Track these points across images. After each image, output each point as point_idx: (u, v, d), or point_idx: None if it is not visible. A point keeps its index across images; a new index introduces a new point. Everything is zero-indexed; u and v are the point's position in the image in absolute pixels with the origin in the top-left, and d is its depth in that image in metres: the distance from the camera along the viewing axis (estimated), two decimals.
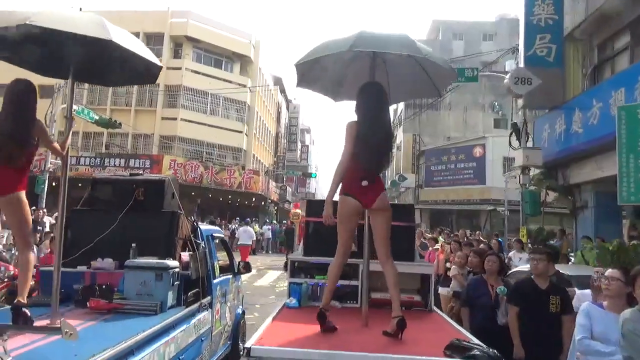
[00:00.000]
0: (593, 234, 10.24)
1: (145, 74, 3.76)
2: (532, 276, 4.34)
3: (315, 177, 46.97)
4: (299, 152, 53.35)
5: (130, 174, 5.05)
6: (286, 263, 4.91)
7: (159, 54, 30.24)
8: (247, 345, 2.88)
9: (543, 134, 11.45)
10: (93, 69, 3.72)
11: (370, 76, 3.78)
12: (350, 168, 3.46)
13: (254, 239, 21.44)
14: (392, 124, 3.81)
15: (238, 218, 29.07)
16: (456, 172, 30.29)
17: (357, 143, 3.45)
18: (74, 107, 21.19)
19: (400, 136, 37.33)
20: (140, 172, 27.85)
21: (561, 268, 5.83)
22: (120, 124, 21.13)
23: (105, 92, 29.61)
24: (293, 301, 4.30)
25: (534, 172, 11.54)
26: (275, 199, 40.02)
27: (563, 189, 11.31)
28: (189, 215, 4.98)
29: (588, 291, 4.31)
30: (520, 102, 11.12)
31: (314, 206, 4.52)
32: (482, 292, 4.80)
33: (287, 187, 45.74)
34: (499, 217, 27.21)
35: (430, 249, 9.88)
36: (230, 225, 25.76)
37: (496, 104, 36.70)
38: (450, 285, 6.30)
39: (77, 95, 26.28)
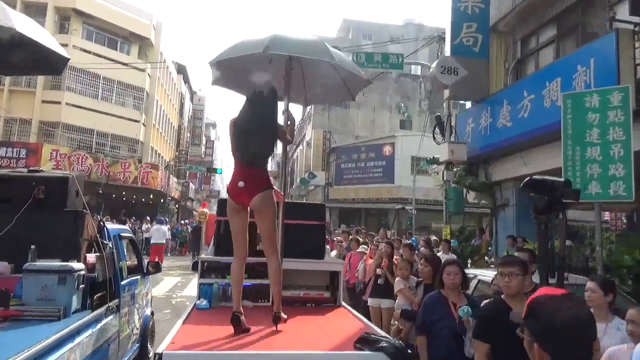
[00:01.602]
0: (514, 234, 9.86)
1: (49, 64, 3.71)
2: (502, 297, 3.22)
3: (220, 172, 44.40)
4: (203, 147, 50.56)
5: (29, 170, 4.57)
6: (195, 263, 4.73)
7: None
8: (159, 350, 2.69)
9: (466, 128, 10.93)
10: None
11: (286, 78, 3.88)
12: (234, 166, 3.64)
13: (168, 237, 20.05)
14: (276, 124, 3.69)
15: (134, 217, 26.29)
16: (366, 171, 30.07)
17: (234, 140, 3.55)
18: None
19: (310, 133, 36.54)
20: (16, 163, 24.12)
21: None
22: None
23: None
24: (204, 302, 4.19)
25: (456, 168, 10.99)
26: (176, 196, 37.19)
27: (484, 187, 10.88)
28: (96, 214, 4.72)
29: None
30: (446, 92, 10.46)
31: (225, 205, 4.31)
32: (443, 314, 3.66)
33: (190, 183, 42.88)
34: (406, 216, 27.42)
35: (353, 251, 8.82)
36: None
37: (402, 105, 37.44)
38: (396, 302, 5.14)
39: None
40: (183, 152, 42.61)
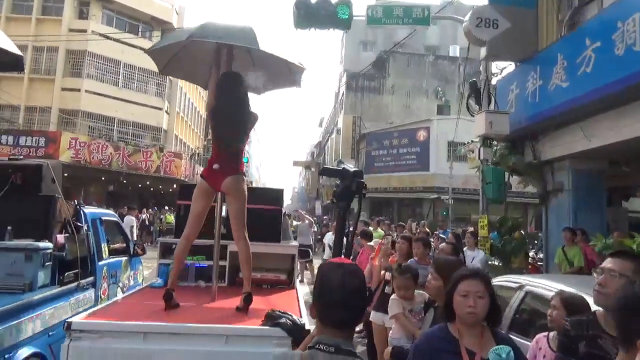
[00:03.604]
0: (571, 225, 7.86)
1: (6, 62, 4.08)
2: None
3: (247, 161, 43.33)
4: None
5: (9, 158, 5.08)
6: None
7: (58, 13, 25.74)
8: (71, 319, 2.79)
9: (508, 96, 8.91)
10: None
11: (228, 65, 3.85)
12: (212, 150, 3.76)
13: None
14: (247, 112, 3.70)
15: (156, 207, 25.51)
16: (399, 158, 28.01)
17: (213, 126, 3.71)
18: None
19: (341, 120, 34.77)
20: (35, 152, 23.58)
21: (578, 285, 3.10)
22: None
23: None
24: (158, 281, 4.30)
25: (497, 145, 9.00)
26: None
27: (532, 168, 8.84)
28: (71, 199, 5.10)
29: None
30: (482, 52, 8.48)
31: (186, 190, 4.58)
32: None
33: None
34: (442, 207, 25.34)
35: (365, 246, 7.10)
36: (141, 215, 22.09)
37: (439, 89, 35.07)
38: (390, 335, 3.40)
39: None
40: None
